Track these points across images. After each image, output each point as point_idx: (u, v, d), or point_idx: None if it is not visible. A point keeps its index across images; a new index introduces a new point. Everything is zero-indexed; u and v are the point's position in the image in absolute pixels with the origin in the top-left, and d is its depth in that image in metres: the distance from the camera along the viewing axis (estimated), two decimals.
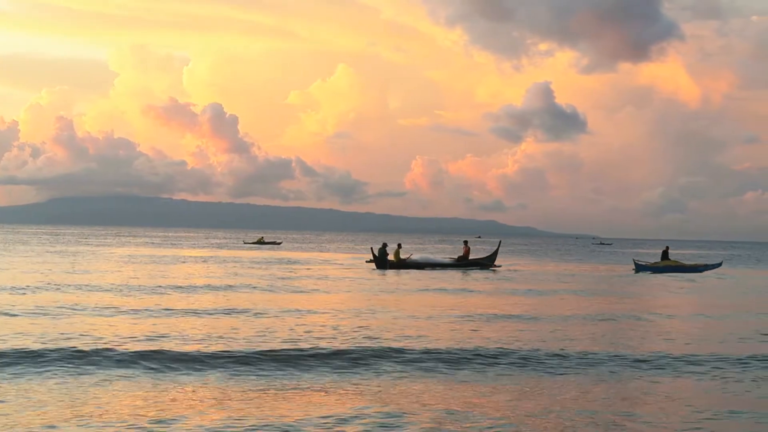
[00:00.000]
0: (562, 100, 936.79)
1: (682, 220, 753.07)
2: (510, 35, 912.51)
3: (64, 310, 21.90)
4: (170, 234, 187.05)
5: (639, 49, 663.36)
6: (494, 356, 15.71)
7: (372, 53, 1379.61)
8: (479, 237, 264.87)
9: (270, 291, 30.65)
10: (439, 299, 28.31)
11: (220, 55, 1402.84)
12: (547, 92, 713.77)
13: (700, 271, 54.34)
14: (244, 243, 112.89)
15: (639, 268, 55.28)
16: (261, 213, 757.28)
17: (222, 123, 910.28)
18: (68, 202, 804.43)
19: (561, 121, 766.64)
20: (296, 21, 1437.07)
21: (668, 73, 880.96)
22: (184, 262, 54.68)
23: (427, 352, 15.88)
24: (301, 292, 30.91)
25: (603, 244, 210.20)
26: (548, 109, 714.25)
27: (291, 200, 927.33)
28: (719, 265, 57.94)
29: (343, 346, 16.26)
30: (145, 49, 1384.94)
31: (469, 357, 15.54)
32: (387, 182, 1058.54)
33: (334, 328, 19.25)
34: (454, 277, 42.42)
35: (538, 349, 16.57)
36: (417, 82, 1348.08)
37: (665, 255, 56.18)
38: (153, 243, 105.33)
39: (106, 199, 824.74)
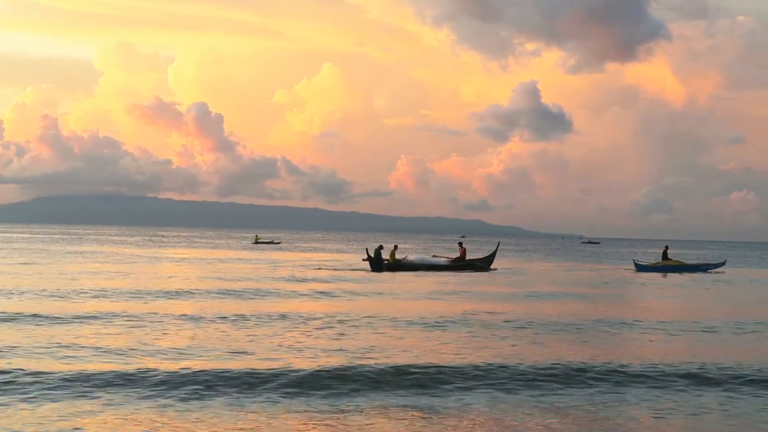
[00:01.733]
0: (548, 99, 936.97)
1: (667, 219, 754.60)
2: (497, 35, 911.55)
3: (32, 317, 20.38)
4: (159, 233, 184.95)
5: (626, 50, 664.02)
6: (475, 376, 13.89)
7: (358, 53, 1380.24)
8: (463, 237, 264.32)
9: (266, 296, 29.65)
10: (433, 305, 26.84)
11: (206, 54, 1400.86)
12: (533, 92, 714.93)
13: (704, 271, 53.54)
14: (241, 243, 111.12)
15: (639, 267, 54.50)
16: (246, 212, 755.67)
17: (207, 122, 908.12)
18: (53, 201, 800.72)
19: (547, 121, 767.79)
20: (282, 20, 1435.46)
21: (655, 74, 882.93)
22: (190, 263, 53.32)
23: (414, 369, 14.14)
24: (305, 296, 30.00)
25: (591, 243, 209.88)
26: (535, 108, 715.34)
27: (276, 199, 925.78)
28: (723, 264, 57.17)
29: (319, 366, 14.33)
30: (130, 47, 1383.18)
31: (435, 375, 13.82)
32: (372, 182, 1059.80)
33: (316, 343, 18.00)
34: (449, 279, 41.27)
35: (521, 364, 14.86)
36: (403, 82, 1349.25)
37: (665, 255, 55.42)
38: (142, 243, 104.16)
39: (91, 198, 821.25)
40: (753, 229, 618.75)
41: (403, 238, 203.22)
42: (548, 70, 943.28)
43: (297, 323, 20.52)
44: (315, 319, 21.47)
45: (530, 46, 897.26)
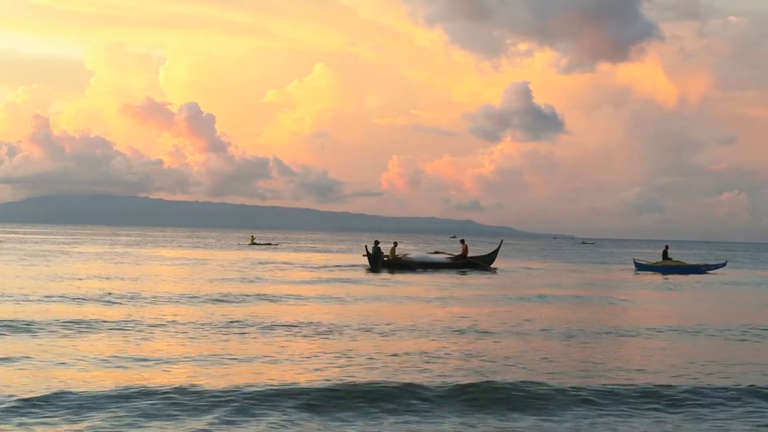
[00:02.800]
0: (540, 100, 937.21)
1: (659, 220, 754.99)
2: (490, 35, 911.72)
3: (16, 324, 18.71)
4: (150, 234, 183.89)
5: (619, 50, 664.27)
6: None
7: (350, 53, 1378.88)
8: (454, 237, 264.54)
9: (281, 300, 29.03)
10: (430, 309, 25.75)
11: (197, 54, 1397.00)
12: (525, 92, 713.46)
13: (703, 271, 53.20)
14: (239, 244, 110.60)
15: (639, 267, 54.27)
16: (238, 212, 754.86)
17: (199, 122, 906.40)
18: (44, 201, 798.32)
19: (539, 121, 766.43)
20: (273, 20, 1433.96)
21: (647, 74, 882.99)
22: (186, 264, 52.06)
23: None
24: (313, 301, 29.41)
25: (585, 243, 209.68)
26: (527, 109, 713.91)
27: (268, 199, 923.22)
28: (723, 264, 56.81)
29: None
30: (121, 47, 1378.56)
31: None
32: (364, 182, 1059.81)
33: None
34: (450, 279, 40.87)
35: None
36: (395, 82, 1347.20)
37: (665, 254, 55.14)
38: (135, 243, 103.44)
39: (82, 198, 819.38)
40: (744, 230, 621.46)
41: (394, 238, 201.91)
42: (541, 70, 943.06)
43: (297, 330, 19.80)
44: (306, 325, 20.68)
45: (523, 47, 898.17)
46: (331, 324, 20.44)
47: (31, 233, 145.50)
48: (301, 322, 20.61)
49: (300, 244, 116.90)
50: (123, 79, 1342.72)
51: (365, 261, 49.39)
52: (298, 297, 28.36)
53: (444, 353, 16.24)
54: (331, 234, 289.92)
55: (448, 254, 52.02)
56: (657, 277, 47.40)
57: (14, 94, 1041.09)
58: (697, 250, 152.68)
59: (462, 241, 51.96)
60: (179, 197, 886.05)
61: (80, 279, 34.13)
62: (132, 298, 26.07)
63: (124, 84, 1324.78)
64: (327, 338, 18.11)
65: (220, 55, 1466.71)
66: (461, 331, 19.71)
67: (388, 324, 20.69)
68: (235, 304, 25.17)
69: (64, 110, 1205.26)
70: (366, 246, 50.92)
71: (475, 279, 41.37)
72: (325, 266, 50.76)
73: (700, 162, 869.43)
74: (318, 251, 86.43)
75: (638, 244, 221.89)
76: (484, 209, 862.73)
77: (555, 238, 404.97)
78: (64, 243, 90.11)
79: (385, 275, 42.64)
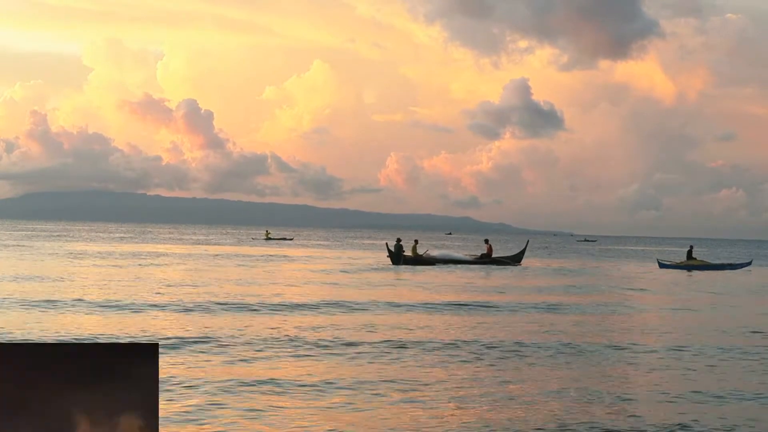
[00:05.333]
0: (539, 96, 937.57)
1: (656, 217, 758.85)
2: (490, 32, 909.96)
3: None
4: (150, 230, 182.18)
5: (619, 47, 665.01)
6: None
7: (349, 49, 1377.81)
8: (450, 233, 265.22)
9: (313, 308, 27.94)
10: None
11: (195, 50, 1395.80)
12: (524, 89, 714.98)
13: (731, 268, 52.52)
14: (253, 239, 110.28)
15: (663, 266, 53.58)
16: (236, 209, 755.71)
17: (197, 118, 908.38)
18: (42, 197, 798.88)
19: (538, 118, 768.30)
20: (271, 16, 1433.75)
21: (646, 71, 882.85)
22: (207, 263, 50.34)
23: None
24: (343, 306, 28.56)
25: (588, 241, 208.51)
26: (525, 105, 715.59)
27: (266, 196, 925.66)
28: (749, 264, 56.14)
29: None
30: (119, 43, 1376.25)
31: None
32: (362, 178, 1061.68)
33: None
34: (475, 277, 40.24)
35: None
36: (393, 78, 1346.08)
37: (690, 254, 54.48)
38: (144, 240, 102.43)
39: (80, 194, 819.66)
40: (741, 227, 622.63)
41: (392, 235, 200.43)
42: (540, 67, 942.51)
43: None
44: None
45: (523, 44, 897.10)
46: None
47: (26, 230, 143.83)
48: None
49: (308, 241, 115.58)
50: (121, 76, 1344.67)
51: (387, 259, 49.38)
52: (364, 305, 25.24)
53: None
54: (330, 231, 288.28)
55: (473, 255, 52.17)
56: (700, 276, 45.91)
57: (12, 90, 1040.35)
58: (697, 247, 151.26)
59: (486, 241, 52.28)
60: (177, 193, 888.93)
61: (76, 282, 32.71)
62: (154, 305, 23.21)
63: (121, 80, 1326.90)
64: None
65: (218, 52, 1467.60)
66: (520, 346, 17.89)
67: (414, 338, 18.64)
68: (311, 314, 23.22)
69: (62, 106, 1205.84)
70: (387, 243, 51.04)
71: (518, 280, 40.06)
72: (350, 265, 50.02)
73: (698, 159, 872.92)
74: (333, 248, 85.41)
75: (638, 242, 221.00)
76: (482, 206, 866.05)
77: (555, 235, 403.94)
78: (64, 241, 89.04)
79: (418, 275, 40.52)
